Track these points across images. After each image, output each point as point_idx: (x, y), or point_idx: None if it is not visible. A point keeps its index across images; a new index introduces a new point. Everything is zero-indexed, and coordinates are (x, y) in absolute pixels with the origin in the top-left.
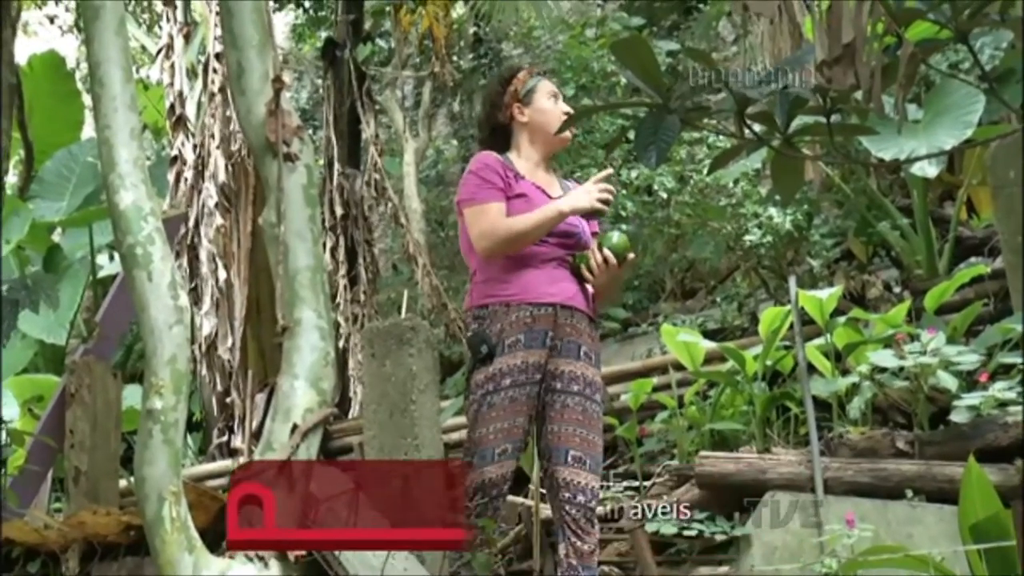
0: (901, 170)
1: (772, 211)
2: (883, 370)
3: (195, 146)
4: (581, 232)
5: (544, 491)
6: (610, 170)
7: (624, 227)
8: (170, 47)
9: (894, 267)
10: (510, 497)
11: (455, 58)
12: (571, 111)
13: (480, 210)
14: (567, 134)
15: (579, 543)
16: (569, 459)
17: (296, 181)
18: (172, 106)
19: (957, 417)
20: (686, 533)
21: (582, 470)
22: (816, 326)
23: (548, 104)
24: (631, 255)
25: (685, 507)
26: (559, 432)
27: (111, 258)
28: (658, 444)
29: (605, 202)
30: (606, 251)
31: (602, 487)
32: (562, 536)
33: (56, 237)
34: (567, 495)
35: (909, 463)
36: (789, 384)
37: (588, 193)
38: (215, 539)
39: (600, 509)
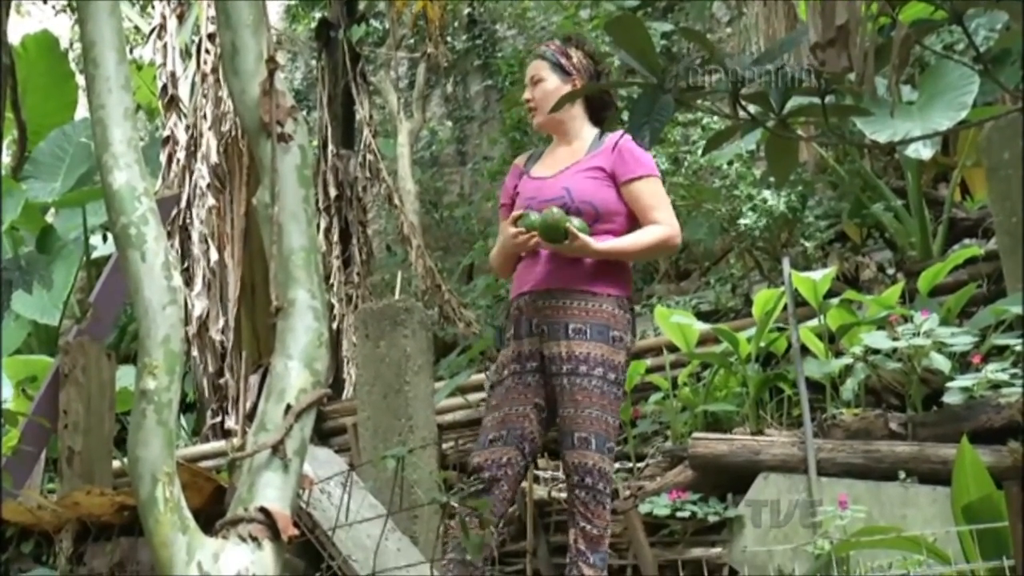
0: (895, 152)
1: (766, 193)
2: (876, 352)
3: (188, 127)
4: (568, 207)
5: (541, 472)
6: (516, 212)
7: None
8: (163, 27)
9: (888, 249)
10: None
11: (449, 39)
12: (530, 97)
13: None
14: (536, 118)
15: (588, 527)
16: (575, 442)
17: (290, 162)
18: (165, 86)
19: (950, 399)
20: (679, 514)
21: (588, 451)
22: (810, 308)
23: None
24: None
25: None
26: (564, 415)
27: (105, 239)
28: (651, 425)
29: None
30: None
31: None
32: (571, 521)
33: (50, 218)
34: (576, 479)
35: (902, 444)
36: (782, 366)
37: (513, 241)
38: (209, 520)
39: None
